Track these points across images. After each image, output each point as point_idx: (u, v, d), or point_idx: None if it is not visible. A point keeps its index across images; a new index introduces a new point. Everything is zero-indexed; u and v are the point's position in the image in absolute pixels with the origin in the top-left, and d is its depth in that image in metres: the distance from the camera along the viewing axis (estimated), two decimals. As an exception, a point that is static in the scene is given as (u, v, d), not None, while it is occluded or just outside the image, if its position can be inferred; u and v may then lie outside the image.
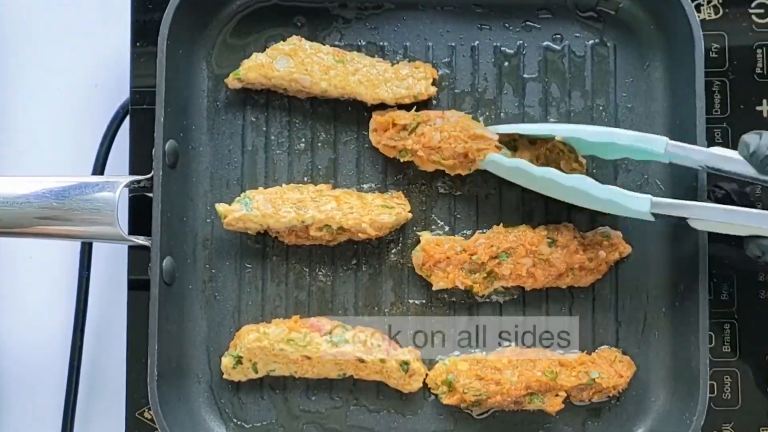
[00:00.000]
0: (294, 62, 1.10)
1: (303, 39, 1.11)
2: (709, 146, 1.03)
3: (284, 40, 1.11)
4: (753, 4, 1.14)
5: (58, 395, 1.16)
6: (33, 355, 1.20)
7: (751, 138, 1.00)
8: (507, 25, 1.13)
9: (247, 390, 1.10)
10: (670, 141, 1.03)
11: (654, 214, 1.02)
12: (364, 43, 1.13)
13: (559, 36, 1.13)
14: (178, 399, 1.08)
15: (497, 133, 1.07)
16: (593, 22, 1.12)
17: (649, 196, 1.02)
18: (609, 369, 1.07)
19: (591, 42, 1.12)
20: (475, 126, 1.07)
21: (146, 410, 1.11)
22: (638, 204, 1.02)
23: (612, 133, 1.05)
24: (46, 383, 1.18)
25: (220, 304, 1.11)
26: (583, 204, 1.05)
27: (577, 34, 1.12)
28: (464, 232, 1.11)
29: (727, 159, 1.01)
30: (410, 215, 1.09)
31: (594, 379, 1.06)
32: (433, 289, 1.09)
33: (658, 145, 1.03)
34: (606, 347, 1.09)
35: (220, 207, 1.08)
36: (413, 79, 1.10)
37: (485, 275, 1.08)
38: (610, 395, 1.08)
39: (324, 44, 1.11)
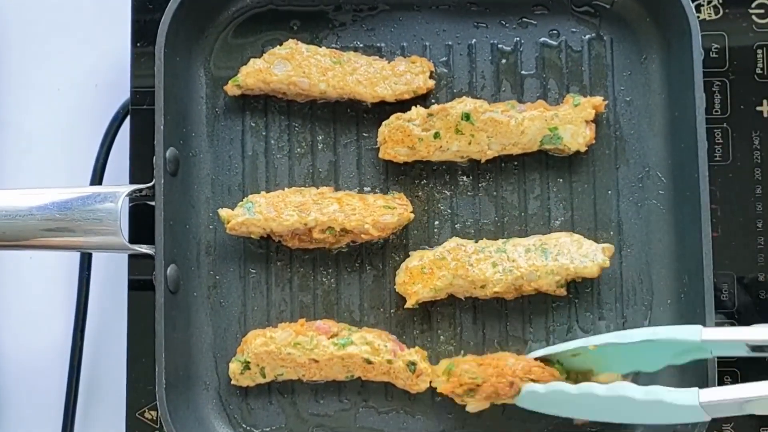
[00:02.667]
0: (292, 66, 1.09)
1: (299, 42, 1.11)
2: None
3: (281, 45, 1.10)
4: (753, 4, 1.14)
5: (59, 395, 1.16)
6: (33, 356, 1.20)
7: None
8: (503, 22, 1.13)
9: (256, 395, 1.10)
10: (705, 328, 0.98)
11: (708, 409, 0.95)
12: (361, 45, 1.13)
13: (555, 31, 1.12)
14: (186, 407, 1.08)
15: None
16: (589, 17, 1.12)
17: (695, 388, 0.96)
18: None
19: (588, 37, 1.12)
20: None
21: (146, 410, 1.11)
22: (685, 399, 0.95)
23: (651, 332, 1.00)
24: (47, 383, 1.18)
25: (226, 310, 1.11)
26: (626, 419, 1.02)
27: (574, 29, 1.12)
28: (467, 231, 1.11)
29: None
30: (412, 215, 1.09)
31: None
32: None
33: (692, 334, 0.98)
34: None
35: (223, 212, 1.08)
36: (411, 74, 1.10)
37: None
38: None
39: (321, 47, 1.11)
